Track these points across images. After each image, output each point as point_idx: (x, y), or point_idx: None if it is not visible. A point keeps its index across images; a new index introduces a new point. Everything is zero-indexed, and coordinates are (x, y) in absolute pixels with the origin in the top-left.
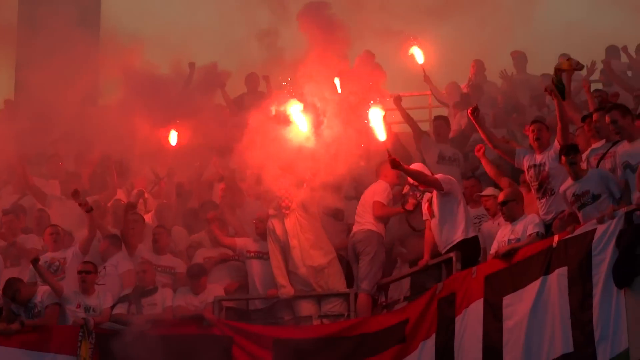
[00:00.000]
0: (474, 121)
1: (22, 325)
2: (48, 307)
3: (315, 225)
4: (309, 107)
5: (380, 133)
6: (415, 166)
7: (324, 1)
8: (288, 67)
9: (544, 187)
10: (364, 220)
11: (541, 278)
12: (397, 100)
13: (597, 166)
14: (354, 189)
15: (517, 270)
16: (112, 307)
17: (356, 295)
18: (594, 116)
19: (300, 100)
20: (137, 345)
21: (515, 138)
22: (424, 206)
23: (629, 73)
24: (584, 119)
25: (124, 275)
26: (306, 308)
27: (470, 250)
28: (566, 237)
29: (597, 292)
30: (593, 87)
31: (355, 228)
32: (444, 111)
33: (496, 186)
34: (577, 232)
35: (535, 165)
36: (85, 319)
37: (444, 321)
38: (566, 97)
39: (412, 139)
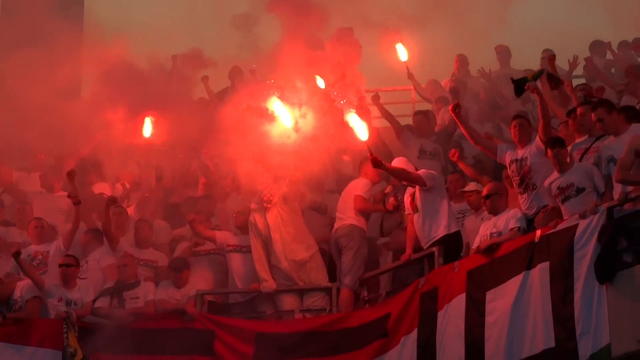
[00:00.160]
0: (455, 118)
1: (3, 318)
2: (29, 301)
3: (297, 219)
4: (290, 101)
5: (361, 132)
6: (398, 161)
7: None
8: (265, 55)
9: (526, 182)
10: (345, 216)
11: (523, 273)
12: (376, 98)
13: (580, 161)
14: (336, 182)
15: (499, 265)
16: (94, 300)
17: (338, 290)
18: (578, 110)
19: (281, 95)
20: (118, 339)
21: (501, 132)
22: (407, 200)
23: (612, 70)
24: (569, 113)
25: (106, 269)
26: (288, 302)
27: (452, 245)
28: (548, 232)
29: (578, 287)
30: (577, 82)
31: (337, 224)
32: (427, 106)
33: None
34: (559, 227)
35: (517, 160)
36: (68, 312)
37: (426, 316)
38: (556, 86)
39: (393, 134)
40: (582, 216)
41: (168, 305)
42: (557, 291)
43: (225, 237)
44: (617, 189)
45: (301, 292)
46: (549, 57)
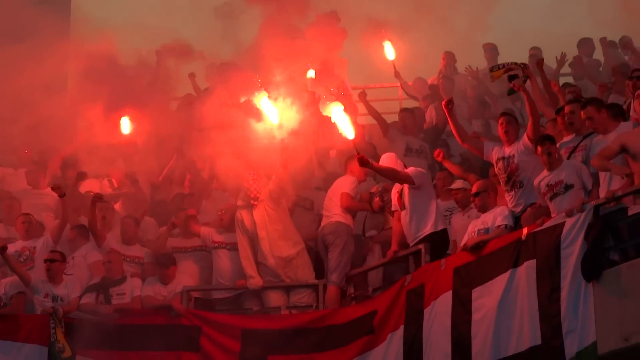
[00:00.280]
0: (447, 113)
1: None
2: (13, 297)
3: (283, 216)
4: (276, 96)
5: (347, 131)
6: (387, 156)
7: None
8: (248, 47)
9: (513, 180)
10: (332, 213)
11: (510, 271)
12: (362, 95)
13: (568, 159)
14: (323, 180)
15: (485, 262)
16: (80, 296)
17: (325, 287)
18: (567, 108)
19: (267, 89)
20: (104, 335)
21: (489, 130)
22: (394, 197)
23: (600, 68)
24: (557, 111)
25: (92, 265)
26: (275, 299)
27: (438, 243)
28: (535, 230)
29: (565, 285)
30: (563, 79)
31: (324, 221)
32: (414, 103)
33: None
34: (546, 225)
35: (504, 158)
36: (54, 307)
37: (412, 313)
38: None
39: (379, 131)
40: (569, 214)
41: (154, 301)
42: (543, 289)
43: (210, 233)
44: (604, 187)
45: (288, 289)
46: (537, 61)
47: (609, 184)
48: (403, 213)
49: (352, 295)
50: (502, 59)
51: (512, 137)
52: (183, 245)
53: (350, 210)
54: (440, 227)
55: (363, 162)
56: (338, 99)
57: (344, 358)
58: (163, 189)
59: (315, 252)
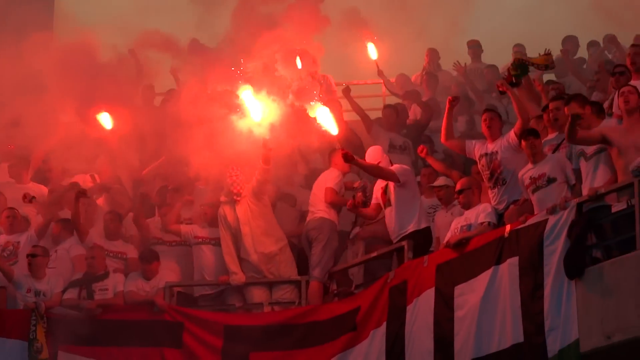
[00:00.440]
0: (447, 109)
1: None
2: None
3: (266, 212)
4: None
5: (332, 128)
6: (374, 149)
7: None
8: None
9: (496, 177)
10: (316, 209)
11: (492, 268)
12: (346, 91)
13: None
14: (305, 177)
15: (468, 259)
16: (63, 291)
17: (307, 283)
18: (551, 105)
19: (250, 83)
20: (87, 330)
21: (474, 126)
22: (377, 193)
23: (584, 66)
24: (544, 108)
25: (76, 259)
26: (257, 295)
27: (421, 240)
28: (518, 227)
29: (548, 282)
30: (547, 77)
31: (308, 217)
32: (398, 100)
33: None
34: (529, 222)
35: (487, 154)
36: (37, 302)
37: (395, 310)
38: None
39: (363, 127)
40: (552, 211)
41: (137, 297)
42: (526, 286)
43: (192, 229)
44: (587, 185)
45: (270, 285)
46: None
47: (592, 181)
48: (388, 210)
49: (335, 291)
50: (485, 56)
51: (496, 133)
52: (167, 238)
53: (335, 206)
54: (423, 225)
55: (347, 158)
56: (320, 93)
57: (326, 355)
58: (146, 184)
59: (300, 248)
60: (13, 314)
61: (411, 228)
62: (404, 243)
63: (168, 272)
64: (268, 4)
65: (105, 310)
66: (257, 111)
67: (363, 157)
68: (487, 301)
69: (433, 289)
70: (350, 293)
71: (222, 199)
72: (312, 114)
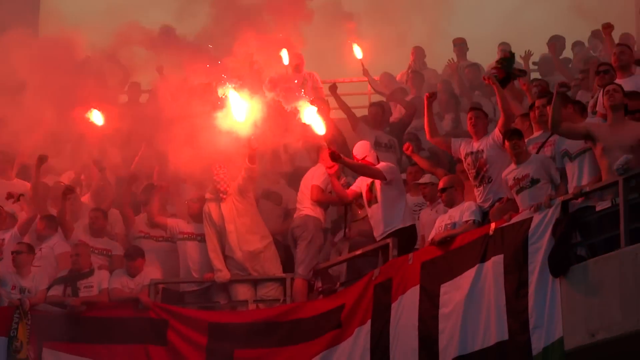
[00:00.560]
0: (426, 106)
1: None
2: None
3: (251, 209)
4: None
5: (318, 127)
6: (362, 144)
7: None
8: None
9: (481, 175)
10: (303, 206)
11: (477, 266)
12: (333, 88)
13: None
14: (290, 176)
15: (453, 257)
16: (48, 288)
17: (292, 280)
18: (537, 102)
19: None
20: (71, 328)
21: (459, 124)
22: (363, 189)
23: (570, 65)
24: (531, 107)
25: (60, 257)
26: (242, 292)
27: (406, 238)
28: (503, 225)
29: (532, 280)
30: (533, 76)
31: (295, 214)
32: (383, 97)
33: None
34: (514, 220)
35: (472, 153)
36: (21, 299)
37: (379, 307)
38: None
39: (349, 125)
40: (537, 209)
41: (122, 294)
42: (511, 284)
43: (178, 223)
44: (572, 183)
45: (255, 283)
46: None
47: (579, 182)
48: (374, 207)
49: (320, 289)
50: (471, 54)
51: (481, 131)
52: (153, 233)
53: (320, 203)
54: (409, 223)
55: (334, 158)
56: (305, 90)
57: (310, 352)
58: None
59: (286, 246)
60: None
61: (396, 226)
62: (389, 241)
63: (153, 269)
64: None
65: (90, 307)
66: (241, 111)
67: (347, 155)
68: (472, 299)
69: (418, 286)
70: (334, 290)
71: (208, 196)
72: (299, 113)
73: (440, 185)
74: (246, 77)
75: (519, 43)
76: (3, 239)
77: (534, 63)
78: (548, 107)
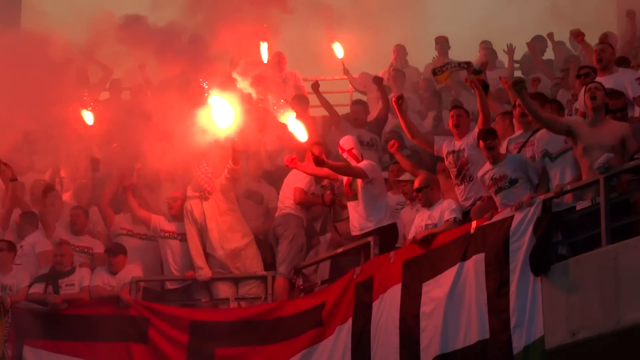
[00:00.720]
0: (396, 109)
1: None
2: None
3: (233, 208)
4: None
5: (301, 134)
6: (346, 139)
7: None
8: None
9: (463, 173)
10: (284, 205)
11: (458, 264)
12: (315, 86)
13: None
14: (271, 173)
15: (434, 256)
16: (29, 286)
17: (274, 278)
18: (517, 101)
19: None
20: (52, 325)
21: (441, 122)
22: (343, 183)
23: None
24: (514, 105)
25: (41, 255)
26: (223, 290)
27: (387, 236)
28: (484, 223)
29: (513, 279)
30: (516, 74)
31: (277, 213)
32: (364, 96)
33: None
34: (495, 218)
35: (454, 152)
36: (1, 297)
37: (361, 306)
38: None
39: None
40: (518, 208)
41: (103, 291)
42: (492, 283)
43: (159, 221)
44: (555, 182)
45: (236, 281)
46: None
47: (560, 180)
48: (354, 203)
49: (301, 287)
50: (453, 53)
51: (463, 130)
52: (136, 230)
53: (303, 205)
54: (390, 221)
55: (319, 162)
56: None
57: (292, 350)
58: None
59: (268, 244)
60: None
61: (377, 224)
62: (370, 239)
63: (134, 267)
64: None
65: (71, 305)
66: (224, 116)
67: (328, 157)
68: (453, 297)
69: (399, 285)
70: (316, 289)
71: (190, 194)
72: (282, 119)
73: (416, 185)
74: (226, 78)
75: (501, 41)
76: None
77: (516, 61)
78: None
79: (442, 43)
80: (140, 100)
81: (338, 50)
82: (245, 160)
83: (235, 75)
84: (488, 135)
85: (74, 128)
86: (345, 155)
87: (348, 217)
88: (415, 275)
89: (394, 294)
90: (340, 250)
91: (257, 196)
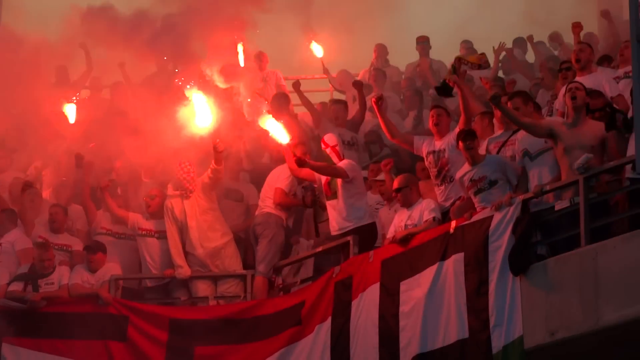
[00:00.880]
0: (376, 110)
1: None
2: None
3: (213, 207)
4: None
5: (281, 136)
6: (329, 137)
7: None
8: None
9: (443, 174)
10: (265, 204)
11: (437, 264)
12: (296, 85)
13: (498, 154)
14: (250, 173)
15: (413, 255)
16: (8, 284)
17: (253, 277)
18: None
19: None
20: (31, 323)
21: (421, 122)
22: (322, 182)
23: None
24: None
25: (21, 253)
26: (202, 289)
27: (366, 235)
28: (463, 223)
29: (493, 278)
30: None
31: (257, 211)
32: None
33: None
34: (474, 218)
35: (434, 152)
36: None
37: (340, 305)
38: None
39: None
40: (497, 208)
41: (82, 289)
42: (471, 282)
43: (137, 219)
44: (534, 182)
45: (216, 279)
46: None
47: (539, 180)
48: (334, 202)
49: (280, 286)
50: (433, 52)
51: (443, 130)
52: (115, 229)
53: (282, 206)
54: (369, 221)
55: (301, 163)
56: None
57: (271, 349)
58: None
59: (249, 243)
60: None
61: (357, 223)
62: (349, 238)
63: (113, 266)
64: None
65: (50, 302)
66: (205, 117)
67: (309, 157)
68: (432, 297)
69: (378, 284)
70: (295, 287)
71: (170, 192)
72: (261, 124)
73: (395, 185)
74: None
75: (481, 41)
76: None
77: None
78: (509, 103)
79: (423, 43)
80: (119, 99)
81: (317, 49)
82: (224, 158)
83: (203, 67)
84: (467, 136)
85: (54, 126)
86: (328, 151)
87: (327, 219)
88: (393, 274)
89: (373, 293)
90: (319, 249)
91: (236, 194)
